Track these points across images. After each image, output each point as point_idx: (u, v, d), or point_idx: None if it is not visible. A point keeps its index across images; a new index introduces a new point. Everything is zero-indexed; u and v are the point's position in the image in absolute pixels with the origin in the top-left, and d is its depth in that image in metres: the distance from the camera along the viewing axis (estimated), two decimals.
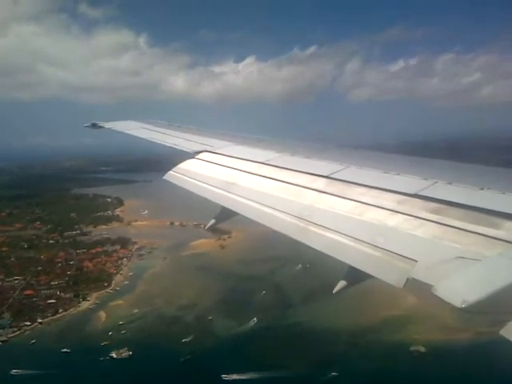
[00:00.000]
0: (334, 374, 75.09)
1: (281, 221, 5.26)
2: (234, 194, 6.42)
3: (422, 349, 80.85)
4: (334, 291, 4.41)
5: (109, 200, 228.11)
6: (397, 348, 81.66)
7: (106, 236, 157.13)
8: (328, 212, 5.02)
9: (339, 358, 79.18)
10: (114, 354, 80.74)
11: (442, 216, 4.09)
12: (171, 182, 7.89)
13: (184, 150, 9.03)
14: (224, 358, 78.13)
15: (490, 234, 3.59)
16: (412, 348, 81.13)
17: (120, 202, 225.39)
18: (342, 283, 4.38)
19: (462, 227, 3.83)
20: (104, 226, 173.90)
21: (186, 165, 8.27)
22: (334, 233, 4.59)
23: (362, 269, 4.06)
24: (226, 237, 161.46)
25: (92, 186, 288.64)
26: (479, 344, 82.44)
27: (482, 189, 4.38)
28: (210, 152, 8.42)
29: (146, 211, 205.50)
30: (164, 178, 8.13)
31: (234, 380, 74.10)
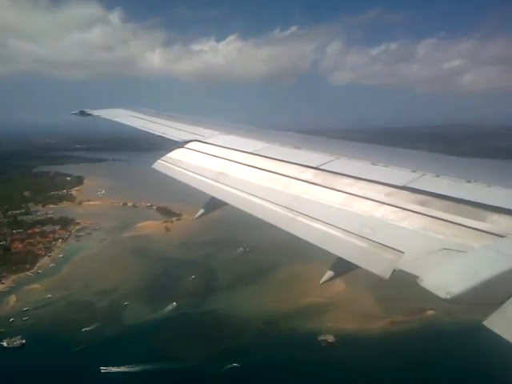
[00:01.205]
0: (234, 364, 71.14)
1: (269, 211, 5.16)
2: (223, 183, 6.29)
3: (331, 338, 77.79)
4: (320, 282, 4.46)
5: (69, 178, 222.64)
6: (305, 337, 78.97)
7: (51, 216, 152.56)
8: (316, 203, 4.95)
9: (245, 347, 75.54)
10: (4, 343, 76.62)
11: (430, 208, 4.07)
12: (159, 171, 7.71)
13: (173, 139, 8.77)
14: (116, 349, 73.83)
15: (476, 227, 3.58)
16: (321, 337, 77.52)
17: (79, 181, 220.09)
18: (329, 273, 4.44)
19: (449, 219, 3.81)
20: (53, 206, 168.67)
21: (175, 154, 8.04)
22: (322, 224, 4.53)
23: (349, 259, 4.01)
24: (175, 219, 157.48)
25: (59, 163, 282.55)
26: (390, 333, 79.60)
27: (469, 181, 4.35)
28: (199, 141, 8.23)
29: (103, 191, 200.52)
30: (153, 167, 7.94)
31: (113, 372, 69.46)
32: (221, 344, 75.66)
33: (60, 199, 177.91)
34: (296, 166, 5.90)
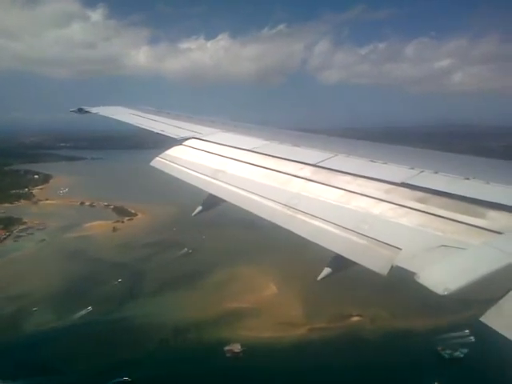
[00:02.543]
0: (125, 379, 64.82)
1: (268, 209, 5.10)
2: (221, 181, 6.20)
3: (238, 348, 70.86)
4: (318, 278, 4.33)
5: (36, 177, 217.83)
6: (211, 347, 72.38)
7: (0, 215, 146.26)
8: (315, 200, 4.90)
9: (141, 359, 69.18)
10: None
11: (428, 205, 4.04)
12: (157, 168, 7.56)
13: (172, 136, 8.57)
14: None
15: (474, 223, 3.55)
16: (227, 347, 70.85)
17: (46, 180, 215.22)
18: (326, 270, 4.33)
19: (447, 216, 3.78)
20: (8, 204, 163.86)
21: (174, 151, 7.91)
22: (321, 221, 4.48)
23: (347, 256, 3.97)
24: (127, 218, 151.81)
25: (35, 162, 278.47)
26: (304, 342, 76.43)
27: (468, 178, 4.31)
28: (197, 139, 8.12)
29: (67, 189, 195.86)
30: (151, 164, 7.75)
31: None
32: (117, 355, 69.70)
33: (18, 198, 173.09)
34: (295, 163, 5.85)
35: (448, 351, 70.75)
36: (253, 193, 5.46)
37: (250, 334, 77.34)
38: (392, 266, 3.47)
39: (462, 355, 70.37)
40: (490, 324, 2.61)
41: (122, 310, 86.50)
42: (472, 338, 75.61)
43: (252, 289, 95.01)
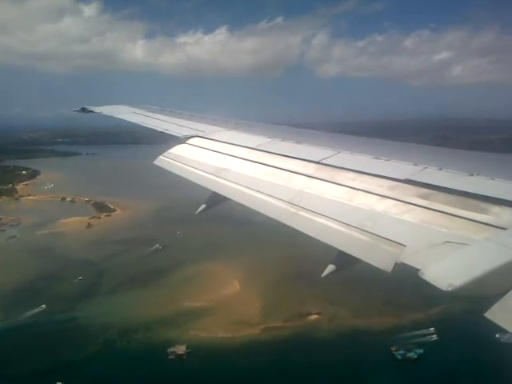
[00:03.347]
0: (58, 383, 61.53)
1: (272, 206, 5.08)
2: (225, 179, 6.19)
3: (182, 350, 67.33)
4: (322, 275, 4.26)
5: (24, 172, 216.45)
6: (156, 348, 68.86)
7: None
8: (319, 197, 4.89)
9: (81, 362, 66.04)
10: None
11: (432, 201, 4.02)
12: (161, 167, 7.56)
13: (175, 134, 8.60)
14: None
15: (478, 219, 3.54)
16: (171, 349, 67.38)
17: (33, 175, 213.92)
18: (330, 267, 4.26)
19: (451, 212, 3.76)
20: None
21: (177, 150, 7.92)
22: (325, 218, 4.46)
23: (351, 253, 3.93)
24: (104, 214, 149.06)
25: (28, 157, 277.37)
26: (255, 342, 72.40)
27: (472, 174, 4.28)
28: (201, 137, 8.13)
29: (52, 185, 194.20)
30: (154, 162, 7.77)
31: None
32: (56, 358, 66.40)
33: (0, 194, 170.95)
34: (298, 160, 5.84)
35: (401, 352, 66.49)
36: (256, 190, 5.45)
37: (200, 335, 74.10)
38: (396, 263, 3.44)
39: (415, 356, 66.23)
40: (494, 320, 2.59)
41: (75, 309, 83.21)
42: (435, 337, 71.57)
43: (214, 287, 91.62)
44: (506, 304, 2.62)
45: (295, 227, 4.51)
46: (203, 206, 6.56)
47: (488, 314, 2.62)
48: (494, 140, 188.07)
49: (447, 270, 2.96)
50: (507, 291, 2.67)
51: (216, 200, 6.30)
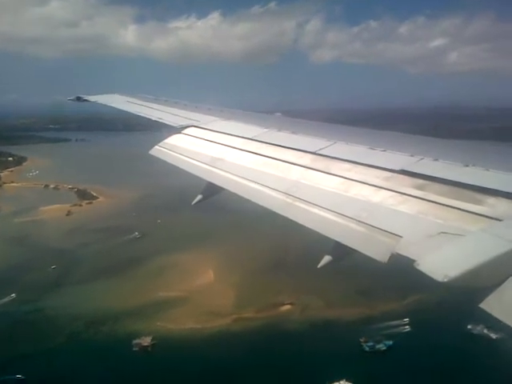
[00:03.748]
0: (18, 376, 60.57)
1: (268, 197, 5.04)
2: (221, 169, 6.12)
3: (147, 341, 65.74)
4: (318, 266, 4.25)
5: (10, 159, 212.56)
6: (122, 340, 67.29)
7: None
8: (315, 188, 4.86)
9: (43, 354, 64.09)
10: None
11: (427, 192, 4.02)
12: (157, 157, 7.46)
13: (170, 124, 8.50)
14: None
15: (474, 210, 3.53)
16: (136, 341, 65.56)
17: (19, 162, 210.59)
18: (327, 258, 4.25)
19: (447, 203, 3.76)
20: None
21: (173, 140, 7.83)
22: (321, 209, 4.42)
23: (347, 244, 3.93)
24: (86, 202, 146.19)
25: (16, 144, 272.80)
26: (224, 333, 70.45)
27: (467, 165, 4.27)
28: (196, 127, 8.05)
29: (37, 172, 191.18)
30: (150, 152, 7.65)
31: None
32: (18, 350, 64.45)
33: None
34: (294, 151, 5.79)
35: (370, 343, 64.83)
36: (252, 181, 5.40)
37: (168, 326, 72.42)
38: (392, 254, 3.43)
39: (384, 348, 64.51)
40: (489, 311, 2.59)
41: (45, 298, 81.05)
42: (408, 328, 69.99)
43: (188, 276, 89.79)
44: (502, 295, 2.61)
45: (291, 218, 4.50)
46: (199, 197, 6.50)
47: (483, 305, 2.61)
48: (487, 128, 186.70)
49: (443, 261, 2.94)
50: (502, 282, 2.66)
51: (212, 190, 6.26)
